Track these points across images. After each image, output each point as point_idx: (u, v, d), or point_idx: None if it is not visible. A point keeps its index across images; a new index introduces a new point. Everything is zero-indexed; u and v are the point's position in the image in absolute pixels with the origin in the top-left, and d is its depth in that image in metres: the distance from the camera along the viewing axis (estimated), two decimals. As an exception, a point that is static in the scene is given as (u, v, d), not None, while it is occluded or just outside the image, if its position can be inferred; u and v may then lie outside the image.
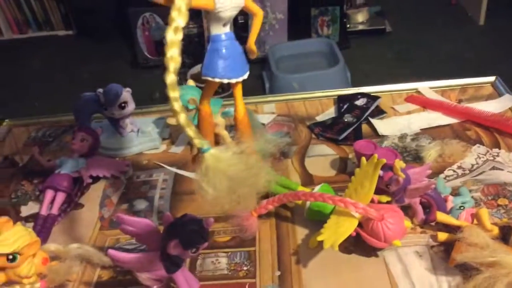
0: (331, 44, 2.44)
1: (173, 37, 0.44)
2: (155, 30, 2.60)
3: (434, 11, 2.90)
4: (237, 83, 0.55)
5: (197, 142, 0.47)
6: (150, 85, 2.45)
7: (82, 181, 0.69)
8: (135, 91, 0.75)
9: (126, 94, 0.73)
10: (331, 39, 2.60)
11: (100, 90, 0.74)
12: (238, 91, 0.56)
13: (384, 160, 0.53)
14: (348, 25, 2.71)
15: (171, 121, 0.72)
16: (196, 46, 2.72)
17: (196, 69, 2.46)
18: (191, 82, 0.71)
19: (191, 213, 0.49)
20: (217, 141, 0.75)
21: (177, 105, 0.45)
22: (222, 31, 0.51)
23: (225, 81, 0.52)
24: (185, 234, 0.47)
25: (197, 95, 0.69)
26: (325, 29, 2.65)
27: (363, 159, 0.55)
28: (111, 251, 0.50)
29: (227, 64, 0.52)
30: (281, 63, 2.45)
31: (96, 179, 0.71)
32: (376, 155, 0.54)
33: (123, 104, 0.73)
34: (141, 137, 0.77)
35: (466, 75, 0.86)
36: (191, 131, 0.47)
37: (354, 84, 2.30)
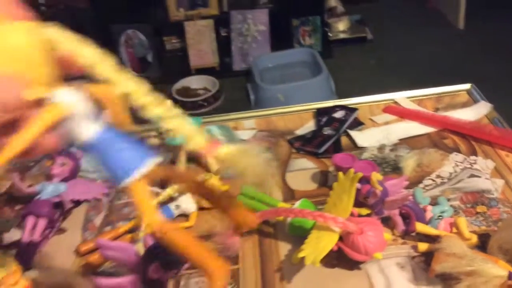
0: (314, 53, 2.47)
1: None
2: (138, 47, 2.61)
3: (413, 16, 2.94)
4: None
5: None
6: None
7: (64, 206, 0.69)
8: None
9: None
10: (313, 48, 2.62)
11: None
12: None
13: (361, 174, 0.54)
14: (329, 34, 2.74)
15: (152, 142, 0.72)
16: (180, 60, 2.72)
17: (179, 84, 2.46)
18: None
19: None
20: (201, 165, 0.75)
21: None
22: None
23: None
24: (164, 257, 0.47)
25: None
26: (307, 39, 2.67)
27: (340, 173, 0.56)
28: (93, 277, 0.50)
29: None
30: (265, 74, 2.46)
31: (77, 203, 0.71)
32: (352, 170, 0.54)
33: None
34: (122, 158, 0.76)
35: (446, 79, 0.87)
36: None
37: (338, 93, 2.33)
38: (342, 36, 2.74)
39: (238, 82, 2.56)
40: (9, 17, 0.27)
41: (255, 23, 2.61)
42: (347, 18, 2.76)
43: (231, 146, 0.32)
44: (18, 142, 0.27)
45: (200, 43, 2.61)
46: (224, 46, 2.67)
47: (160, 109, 0.29)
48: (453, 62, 2.42)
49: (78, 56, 0.27)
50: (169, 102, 0.29)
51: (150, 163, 0.31)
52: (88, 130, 0.30)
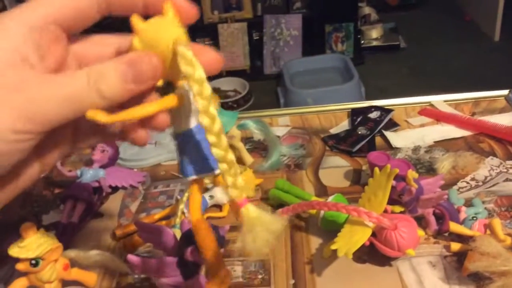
0: (346, 60, 2.47)
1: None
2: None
3: (448, 27, 2.91)
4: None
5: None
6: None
7: (102, 191, 0.71)
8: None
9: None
10: (345, 55, 2.62)
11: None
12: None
13: (397, 170, 0.54)
14: (362, 41, 2.73)
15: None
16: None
17: (210, 85, 2.49)
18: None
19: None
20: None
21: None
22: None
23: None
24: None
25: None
26: (339, 45, 2.67)
27: (376, 169, 0.56)
28: (130, 256, 0.52)
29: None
30: (296, 79, 2.47)
31: (115, 189, 0.73)
32: (389, 165, 0.55)
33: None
34: (159, 148, 0.79)
35: (480, 90, 0.87)
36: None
37: (368, 99, 2.32)
38: (374, 43, 2.73)
39: (268, 86, 2.58)
40: (173, 8, 0.31)
41: (288, 28, 2.63)
42: (380, 26, 2.75)
43: (256, 209, 0.34)
44: (135, 111, 0.31)
45: (233, 45, 2.64)
46: (256, 49, 2.69)
47: (227, 164, 0.33)
48: (488, 73, 2.38)
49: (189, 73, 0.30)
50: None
51: (214, 172, 0.36)
52: (186, 123, 0.35)
